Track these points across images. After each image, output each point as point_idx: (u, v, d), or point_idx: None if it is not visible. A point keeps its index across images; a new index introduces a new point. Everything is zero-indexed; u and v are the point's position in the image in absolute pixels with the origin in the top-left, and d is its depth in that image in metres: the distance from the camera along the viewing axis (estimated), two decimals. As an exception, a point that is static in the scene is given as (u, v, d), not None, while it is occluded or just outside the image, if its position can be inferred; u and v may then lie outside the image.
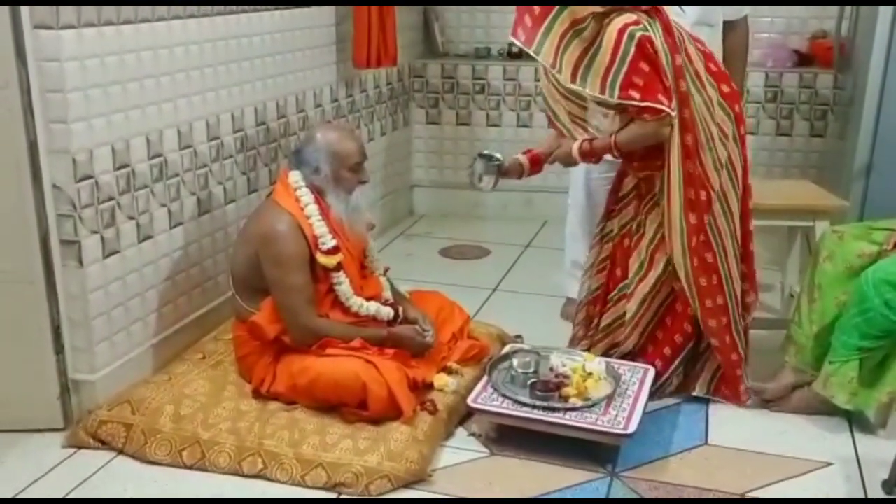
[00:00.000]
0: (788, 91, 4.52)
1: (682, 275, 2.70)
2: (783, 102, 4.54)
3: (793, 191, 3.41)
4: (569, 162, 2.85)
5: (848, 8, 4.01)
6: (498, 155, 2.89)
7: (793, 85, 4.51)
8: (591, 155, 2.75)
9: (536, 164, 2.90)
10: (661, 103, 2.52)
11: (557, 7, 2.56)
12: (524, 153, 2.91)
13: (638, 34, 2.50)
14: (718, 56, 3.23)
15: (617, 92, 2.52)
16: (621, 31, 2.51)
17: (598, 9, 2.53)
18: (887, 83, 3.63)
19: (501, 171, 2.88)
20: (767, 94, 4.54)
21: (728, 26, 3.30)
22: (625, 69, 2.50)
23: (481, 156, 2.90)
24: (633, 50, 2.49)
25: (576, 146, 2.74)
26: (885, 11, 3.59)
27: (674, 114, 2.55)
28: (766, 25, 4.57)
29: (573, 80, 2.59)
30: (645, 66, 2.50)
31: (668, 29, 2.59)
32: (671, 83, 2.56)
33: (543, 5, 2.57)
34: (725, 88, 2.72)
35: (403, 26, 4.42)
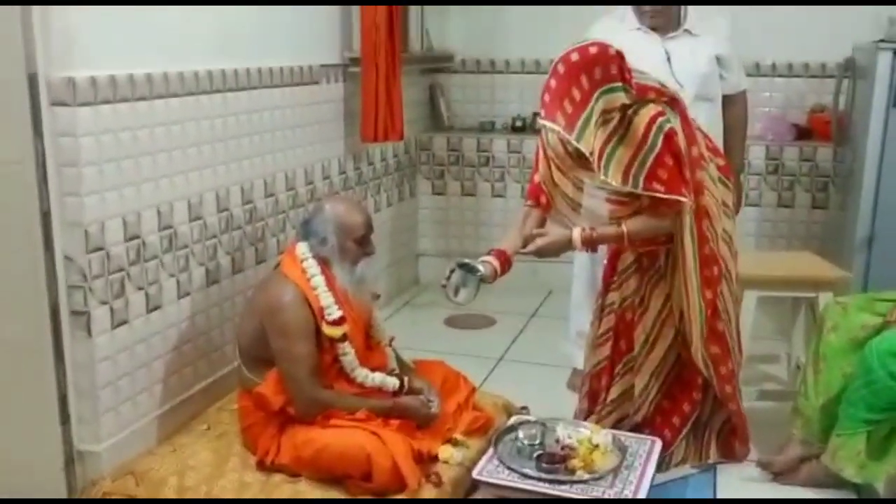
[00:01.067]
0: (789, 164, 4.59)
1: (696, 346, 2.71)
2: (784, 175, 4.60)
3: (795, 262, 3.44)
4: (561, 251, 2.72)
5: (845, 82, 4.09)
6: (479, 266, 2.67)
7: (793, 158, 4.58)
8: (595, 244, 2.69)
9: (507, 263, 2.75)
10: (685, 196, 2.53)
11: (595, 95, 2.47)
12: (490, 254, 2.75)
13: (666, 126, 2.52)
14: (720, 130, 3.31)
15: (641, 183, 2.51)
16: (650, 123, 2.50)
17: (625, 98, 2.51)
18: (885, 155, 3.69)
19: (481, 281, 2.69)
20: (769, 166, 4.60)
21: (727, 101, 3.38)
22: (650, 161, 2.50)
23: (460, 266, 2.69)
24: (660, 142, 2.50)
25: (577, 235, 2.65)
26: (880, 85, 3.67)
27: (686, 208, 2.57)
28: (765, 100, 4.66)
29: (597, 171, 2.52)
30: (669, 160, 2.51)
31: (685, 118, 2.63)
32: (689, 173, 2.57)
33: (585, 91, 2.46)
34: (721, 162, 2.80)
35: (410, 101, 4.52)
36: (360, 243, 2.78)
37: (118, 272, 2.71)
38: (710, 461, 2.87)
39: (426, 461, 2.64)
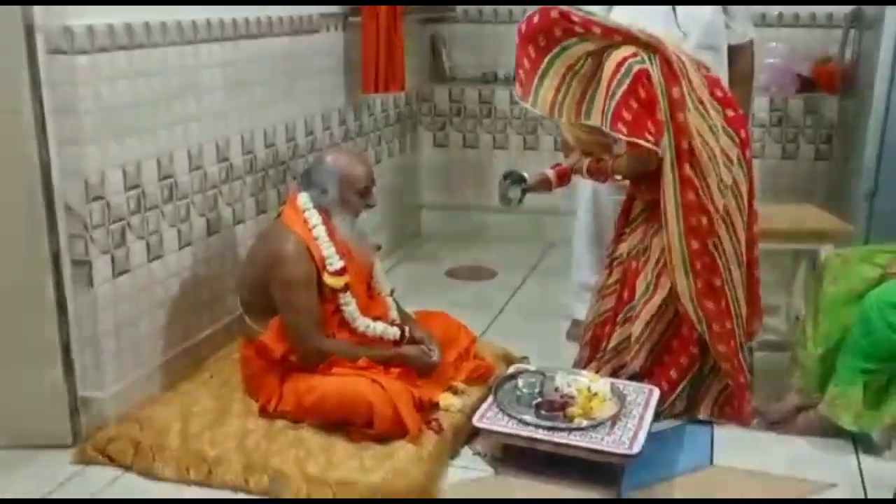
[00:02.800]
0: (793, 115, 4.55)
1: (685, 298, 2.72)
2: (788, 127, 4.57)
3: (798, 215, 3.43)
4: (568, 175, 2.97)
5: (851, 33, 4.04)
6: (524, 173, 2.95)
7: (798, 109, 4.54)
8: (595, 174, 2.87)
9: (564, 176, 2.97)
10: (647, 140, 2.57)
11: (547, 59, 2.66)
12: (552, 167, 2.99)
13: (635, 67, 2.56)
14: (725, 80, 3.27)
15: (608, 123, 2.59)
16: (619, 64, 2.57)
17: (591, 47, 2.61)
18: (891, 107, 3.66)
19: (527, 186, 2.93)
20: (773, 118, 4.57)
21: (733, 51, 3.33)
22: (615, 101, 2.56)
23: (506, 176, 2.96)
24: (627, 82, 2.56)
25: (585, 163, 2.86)
26: (887, 36, 3.63)
27: (659, 149, 2.60)
28: (771, 51, 4.60)
29: (577, 118, 2.70)
30: (634, 102, 2.56)
31: (666, 61, 2.63)
32: (665, 116, 2.60)
33: (532, 59, 2.67)
34: (730, 113, 2.75)
35: (411, 52, 4.48)
36: (361, 195, 2.78)
37: (119, 222, 2.71)
38: (702, 418, 2.86)
39: (427, 408, 2.68)
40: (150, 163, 2.82)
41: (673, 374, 2.85)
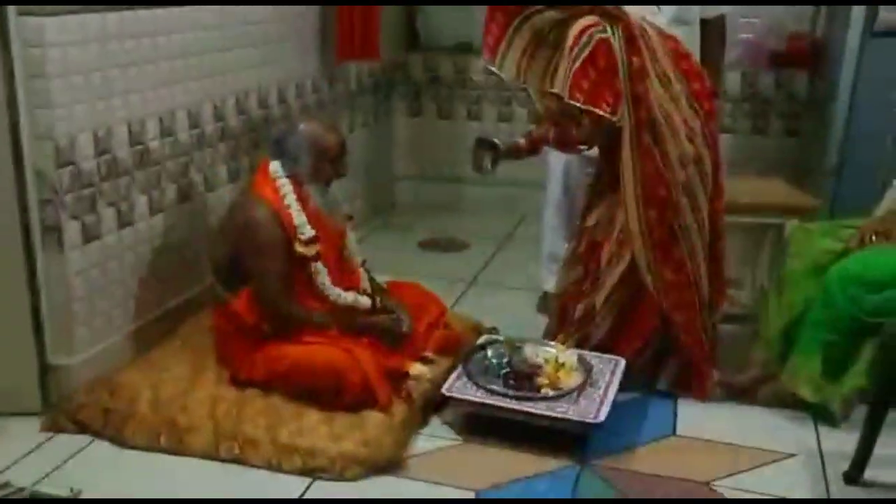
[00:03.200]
0: (764, 91, 4.59)
1: (643, 266, 2.75)
2: (759, 102, 4.61)
3: (765, 189, 3.48)
4: (546, 144, 2.96)
5: (823, 9, 4.07)
6: (495, 139, 2.95)
7: (769, 85, 4.58)
8: (559, 143, 2.91)
9: (534, 144, 2.95)
10: (602, 109, 2.61)
11: (516, 22, 2.68)
12: (523, 136, 2.99)
13: (596, 36, 2.60)
14: (697, 54, 3.29)
15: (566, 91, 2.61)
16: (581, 32, 2.61)
17: (556, 15, 2.64)
18: (858, 84, 3.70)
19: (499, 153, 2.93)
20: (744, 92, 4.61)
21: (705, 25, 3.35)
22: (574, 68, 2.59)
23: (479, 141, 2.96)
24: (586, 52, 2.59)
25: (551, 132, 2.87)
26: (857, 12, 3.67)
27: (615, 119, 2.64)
28: (743, 25, 4.61)
29: (543, 86, 2.73)
30: (593, 71, 2.59)
31: (628, 31, 2.65)
32: (625, 86, 2.64)
33: (500, 24, 2.70)
34: (696, 86, 2.77)
35: (386, 20, 4.44)
36: (333, 163, 2.78)
37: (89, 187, 2.70)
38: (660, 388, 2.91)
39: (397, 378, 2.71)
40: (122, 128, 2.80)
41: (637, 343, 2.89)
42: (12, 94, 2.47)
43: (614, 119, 2.63)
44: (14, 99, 2.47)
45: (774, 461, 2.56)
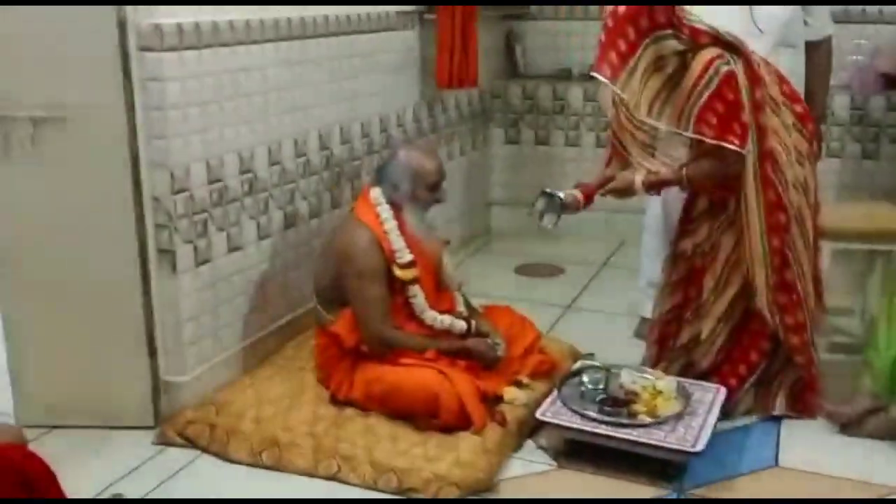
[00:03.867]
0: (874, 114, 4.45)
1: (762, 293, 2.71)
2: (869, 125, 4.47)
3: (874, 214, 3.36)
4: (626, 194, 2.79)
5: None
6: (560, 193, 2.81)
7: (879, 108, 4.44)
8: (657, 187, 2.78)
9: (589, 197, 2.85)
10: (732, 143, 2.53)
11: (645, 42, 2.56)
12: (577, 187, 2.87)
13: (724, 69, 2.52)
14: (802, 77, 3.24)
15: (692, 127, 2.54)
16: (708, 64, 2.53)
17: (678, 46, 2.56)
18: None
19: (563, 208, 2.81)
20: (853, 116, 4.47)
21: (811, 47, 3.29)
22: (701, 103, 2.52)
23: (543, 194, 2.83)
24: (715, 84, 2.52)
25: (639, 179, 2.72)
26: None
27: (745, 151, 2.56)
28: (853, 48, 4.50)
29: (649, 115, 2.61)
30: (720, 105, 2.52)
31: (748, 62, 2.60)
32: (749, 118, 2.57)
33: (630, 42, 2.55)
34: (799, 109, 2.74)
35: (485, 48, 4.52)
36: (432, 190, 2.84)
37: (201, 213, 2.84)
38: (776, 413, 2.86)
39: (491, 401, 2.73)
40: (232, 157, 2.94)
41: (742, 370, 2.85)
42: (133, 126, 2.62)
43: (743, 152, 2.56)
44: (134, 130, 2.63)
45: (881, 496, 2.46)
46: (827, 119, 4.24)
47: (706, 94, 2.52)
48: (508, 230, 5.06)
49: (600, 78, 2.59)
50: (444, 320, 2.85)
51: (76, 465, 2.54)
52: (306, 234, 3.39)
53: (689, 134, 2.56)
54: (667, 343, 2.98)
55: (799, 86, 3.19)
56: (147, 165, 2.67)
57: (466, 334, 2.88)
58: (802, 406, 2.86)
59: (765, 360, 2.85)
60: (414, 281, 2.78)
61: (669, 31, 2.56)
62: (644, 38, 2.56)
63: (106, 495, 2.44)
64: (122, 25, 2.55)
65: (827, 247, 3.11)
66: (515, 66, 5.08)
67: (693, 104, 2.54)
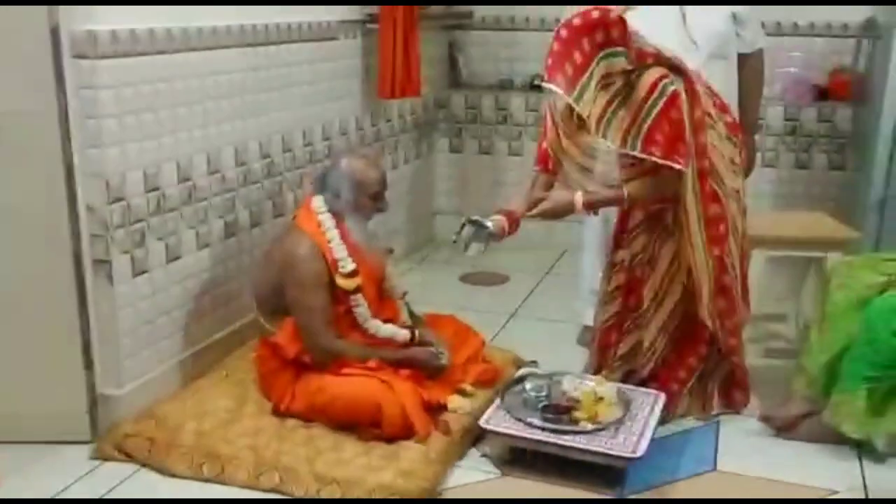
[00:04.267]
0: (807, 125, 4.57)
1: (705, 300, 2.75)
2: (802, 136, 4.59)
3: (807, 222, 3.45)
4: (562, 215, 2.77)
5: (865, 42, 4.06)
6: (488, 222, 2.74)
7: (812, 119, 4.56)
8: (595, 206, 2.79)
9: (515, 223, 2.80)
10: (677, 162, 2.55)
11: (599, 55, 2.53)
12: (500, 213, 2.81)
13: (669, 89, 2.54)
14: (735, 88, 3.31)
15: (639, 146, 2.55)
16: (654, 85, 2.54)
17: (625, 64, 2.55)
18: (902, 117, 3.67)
19: (490, 237, 2.75)
20: (787, 127, 4.59)
21: (743, 59, 3.36)
22: (648, 124, 2.54)
23: (471, 222, 2.75)
24: (661, 104, 2.53)
25: (578, 198, 2.70)
26: (900, 47, 3.65)
27: (687, 170, 2.60)
28: (785, 60, 4.61)
29: (597, 132, 2.58)
30: (667, 125, 2.54)
31: (689, 80, 2.64)
32: (690, 137, 2.61)
33: (585, 55, 2.52)
34: (729, 119, 2.82)
35: (428, 58, 4.54)
36: (374, 199, 2.84)
37: (139, 223, 2.79)
38: (714, 412, 2.93)
39: (435, 410, 2.73)
40: (170, 165, 2.90)
41: (682, 374, 2.92)
42: (67, 134, 2.57)
43: (685, 170, 2.58)
44: (69, 138, 2.57)
45: (818, 498, 2.52)
46: (760, 129, 4.35)
47: (653, 113, 2.53)
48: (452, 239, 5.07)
49: (554, 89, 2.53)
50: (387, 329, 2.84)
51: (11, 481, 2.49)
52: (248, 243, 3.35)
53: (637, 153, 2.56)
54: (608, 351, 3.02)
55: (732, 97, 3.27)
56: (82, 174, 2.62)
57: (410, 343, 2.87)
58: (732, 401, 2.99)
59: (702, 362, 2.92)
60: (356, 290, 2.77)
61: (621, 49, 2.55)
62: (598, 51, 2.54)
63: (39, 513, 2.37)
64: (54, 32, 2.50)
65: (762, 254, 3.19)
66: (458, 76, 5.11)
67: (641, 123, 2.54)
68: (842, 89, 4.51)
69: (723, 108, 2.81)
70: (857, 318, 2.71)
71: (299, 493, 2.47)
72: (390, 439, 2.60)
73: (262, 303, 2.86)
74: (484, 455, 2.71)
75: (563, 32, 2.54)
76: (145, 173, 2.79)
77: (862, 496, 2.53)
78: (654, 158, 2.56)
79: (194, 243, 3.06)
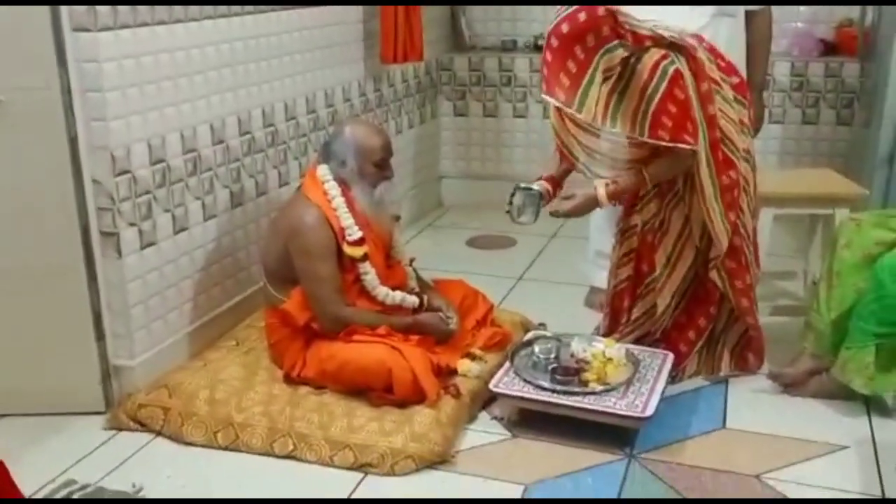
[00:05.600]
0: (814, 80, 4.52)
1: (719, 264, 2.77)
2: (809, 91, 4.55)
3: (814, 179, 3.44)
4: (589, 210, 2.76)
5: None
6: (536, 186, 2.77)
7: (819, 74, 4.51)
8: (621, 195, 2.74)
9: (557, 187, 2.84)
10: (688, 143, 2.54)
11: (593, 62, 2.50)
12: (542, 179, 2.84)
13: (671, 69, 2.51)
14: (742, 45, 3.27)
15: (647, 132, 2.54)
16: (654, 67, 2.51)
17: (623, 52, 2.52)
18: (911, 71, 3.63)
19: (541, 199, 2.77)
20: (793, 83, 4.55)
21: (750, 16, 3.32)
22: (654, 106, 2.52)
23: (519, 189, 2.77)
24: (664, 86, 2.50)
25: (602, 191, 2.67)
26: (908, -1, 3.60)
27: (699, 147, 2.59)
28: (792, 14, 4.57)
29: (604, 122, 2.56)
30: (673, 107, 2.52)
31: (691, 56, 2.60)
32: (698, 112, 2.59)
33: (580, 62, 2.50)
34: (736, 80, 2.78)
35: (430, 21, 4.50)
36: (379, 166, 2.83)
37: (145, 195, 2.79)
38: (723, 373, 2.95)
39: (445, 374, 2.75)
40: (174, 136, 2.89)
41: (691, 335, 2.92)
42: (70, 108, 2.56)
43: (697, 149, 2.58)
44: (72, 112, 2.57)
45: (826, 453, 2.54)
46: (768, 86, 4.32)
47: (657, 97, 2.51)
48: (459, 203, 5.08)
49: (554, 102, 2.56)
50: (396, 296, 2.85)
51: (27, 453, 2.52)
52: (254, 213, 3.35)
53: (646, 139, 2.55)
54: (620, 314, 3.02)
55: (739, 54, 3.24)
56: (86, 148, 2.62)
57: (419, 309, 2.88)
58: (744, 364, 2.97)
59: (712, 323, 2.92)
60: (364, 258, 2.78)
61: (616, 42, 2.51)
62: (593, 55, 2.51)
63: (58, 483, 2.40)
64: (53, 6, 2.48)
65: (770, 212, 3.18)
66: (461, 39, 5.06)
67: (646, 108, 2.52)
68: (849, 44, 4.46)
69: (729, 70, 2.77)
70: (865, 275, 2.72)
71: (313, 459, 2.50)
72: (401, 404, 2.62)
73: (270, 272, 2.87)
74: (494, 418, 2.73)
75: (554, 42, 2.51)
76: (150, 145, 2.79)
77: (870, 450, 2.55)
78: (663, 143, 2.55)
79: (201, 214, 3.06)
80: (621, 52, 2.52)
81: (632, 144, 2.66)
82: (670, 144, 2.55)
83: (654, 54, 2.53)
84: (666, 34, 2.58)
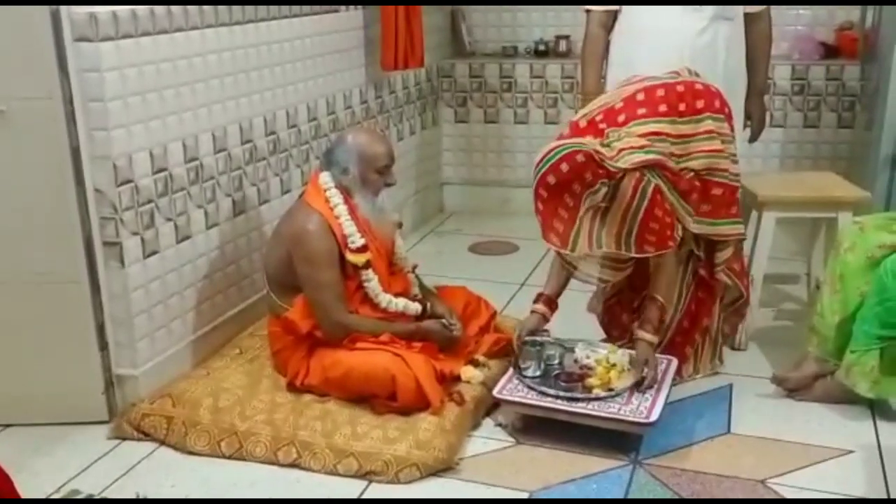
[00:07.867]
0: (815, 83, 4.52)
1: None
2: (810, 94, 4.54)
3: (817, 183, 3.43)
4: (651, 356, 2.70)
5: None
6: (539, 339, 2.80)
7: (820, 77, 4.51)
8: (658, 325, 2.74)
9: (554, 306, 2.90)
10: (671, 247, 2.63)
11: (581, 208, 2.56)
12: (540, 301, 2.88)
13: (649, 189, 2.56)
14: (741, 49, 3.27)
15: (633, 249, 2.61)
16: (634, 190, 2.55)
17: (604, 188, 2.56)
18: (912, 74, 3.63)
19: (543, 349, 2.79)
20: (794, 86, 4.54)
21: (749, 19, 3.31)
22: (636, 229, 2.58)
23: (525, 344, 2.77)
24: (644, 205, 2.56)
25: (649, 337, 2.68)
26: (908, 1, 3.60)
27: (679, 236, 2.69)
28: (792, 18, 4.57)
29: (590, 247, 2.62)
30: (654, 224, 2.58)
31: (664, 167, 2.63)
32: (680, 209, 2.68)
33: (570, 208, 2.57)
34: (717, 103, 2.76)
35: (431, 28, 4.50)
36: (381, 174, 2.83)
37: (147, 204, 2.79)
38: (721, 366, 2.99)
39: (448, 381, 2.74)
40: (176, 145, 2.89)
41: (696, 337, 2.94)
42: (72, 118, 2.57)
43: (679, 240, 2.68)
44: (74, 122, 2.57)
45: (832, 458, 2.53)
46: (769, 90, 4.32)
47: (640, 217, 2.57)
48: (461, 209, 5.08)
49: (553, 248, 2.68)
50: (399, 303, 2.85)
51: (30, 463, 2.52)
52: (256, 221, 3.35)
53: (633, 254, 2.63)
54: (612, 329, 3.05)
55: (738, 57, 3.25)
56: (88, 158, 2.62)
57: (422, 316, 2.88)
58: (732, 330, 3.10)
59: (715, 319, 2.94)
60: (367, 265, 2.78)
61: (598, 185, 2.55)
62: (580, 200, 2.56)
63: (62, 493, 2.40)
64: (55, 16, 2.48)
65: (772, 215, 3.18)
66: (462, 45, 5.07)
67: (630, 229, 2.59)
68: (850, 46, 4.46)
69: (707, 95, 2.75)
70: (868, 279, 2.71)
71: (317, 468, 2.49)
72: (405, 411, 2.61)
73: (273, 280, 2.87)
74: (498, 424, 2.72)
75: (544, 193, 2.58)
76: (152, 154, 2.79)
77: (875, 454, 2.54)
78: (649, 255, 2.63)
79: (203, 223, 3.06)
80: (604, 191, 2.57)
81: (606, 267, 2.78)
82: (657, 254, 2.64)
83: (632, 177, 2.56)
84: (638, 159, 2.58)
